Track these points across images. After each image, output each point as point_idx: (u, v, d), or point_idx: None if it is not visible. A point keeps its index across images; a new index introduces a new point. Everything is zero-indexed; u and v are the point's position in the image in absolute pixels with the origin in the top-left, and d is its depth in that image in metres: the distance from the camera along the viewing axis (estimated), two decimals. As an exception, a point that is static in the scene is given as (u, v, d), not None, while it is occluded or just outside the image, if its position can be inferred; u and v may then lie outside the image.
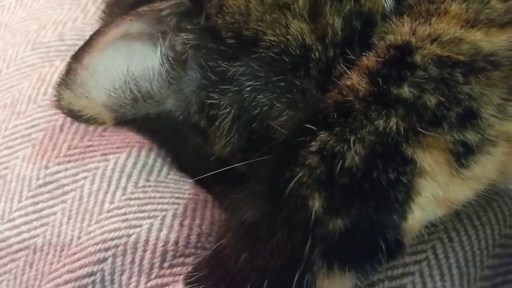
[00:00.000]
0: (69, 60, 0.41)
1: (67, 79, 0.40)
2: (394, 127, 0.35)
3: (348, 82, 0.37)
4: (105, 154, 0.52)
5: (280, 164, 0.36)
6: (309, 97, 0.42)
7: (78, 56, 0.41)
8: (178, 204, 0.50)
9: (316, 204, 0.33)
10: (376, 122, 0.35)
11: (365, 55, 0.39)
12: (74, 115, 0.41)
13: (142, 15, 0.43)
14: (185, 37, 0.45)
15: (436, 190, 0.35)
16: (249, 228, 0.35)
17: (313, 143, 0.35)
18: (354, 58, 0.40)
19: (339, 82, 0.39)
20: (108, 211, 0.49)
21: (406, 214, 0.34)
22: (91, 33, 0.44)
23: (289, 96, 0.42)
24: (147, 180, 0.52)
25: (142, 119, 0.44)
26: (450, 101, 0.36)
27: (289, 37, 0.42)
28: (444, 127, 0.35)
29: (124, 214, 0.49)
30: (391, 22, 0.41)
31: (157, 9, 0.43)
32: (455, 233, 0.43)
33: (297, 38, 0.41)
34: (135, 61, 0.43)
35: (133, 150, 0.53)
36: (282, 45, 0.42)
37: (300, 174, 0.34)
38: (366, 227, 0.34)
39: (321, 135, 0.35)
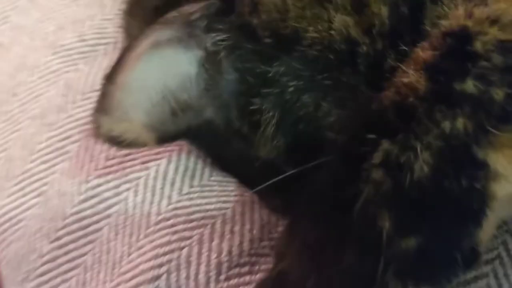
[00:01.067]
0: (102, 82, 0.38)
1: (103, 103, 0.38)
2: (462, 127, 0.32)
3: (405, 80, 0.34)
4: (145, 162, 0.51)
5: (341, 180, 0.33)
6: (359, 94, 0.39)
7: (111, 76, 0.38)
8: (226, 208, 0.49)
9: (386, 224, 0.31)
10: (442, 125, 0.32)
11: (418, 46, 0.36)
12: (116, 142, 0.39)
13: (172, 21, 0.40)
14: (217, 37, 0.42)
15: (511, 190, 0.32)
16: (315, 250, 0.33)
17: (375, 154, 0.32)
18: (406, 49, 0.37)
19: (393, 78, 0.35)
20: (156, 224, 0.48)
21: (482, 222, 0.32)
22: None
23: (337, 94, 0.39)
24: (191, 186, 0.50)
25: (184, 133, 0.41)
26: None
27: (332, 32, 0.38)
28: None
29: (173, 225, 0.47)
30: (442, 4, 0.37)
31: (187, 13, 0.40)
32: (525, 223, 0.40)
33: (342, 32, 0.38)
34: (170, 72, 0.41)
35: (172, 155, 0.51)
36: (325, 41, 0.38)
37: (366, 192, 0.32)
38: (441, 241, 0.31)
39: (383, 144, 0.33)
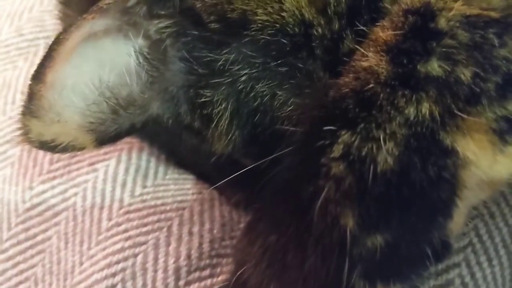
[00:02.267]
0: (29, 82, 0.34)
1: (31, 105, 0.34)
2: (427, 113, 0.30)
3: (365, 64, 0.32)
4: (92, 164, 0.47)
5: (299, 177, 0.31)
6: (317, 80, 0.36)
7: (39, 75, 0.34)
8: (183, 208, 0.45)
9: (349, 222, 0.28)
10: (406, 111, 0.30)
11: (378, 25, 0.33)
12: (48, 147, 0.35)
13: (106, 9, 0.36)
14: (159, 24, 0.38)
15: (481, 177, 0.30)
16: (275, 254, 0.30)
17: (335, 147, 0.30)
18: (365, 29, 0.34)
19: (351, 62, 0.33)
20: (108, 230, 0.44)
21: (452, 213, 0.30)
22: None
23: (293, 81, 0.36)
24: (144, 186, 0.47)
25: (127, 131, 0.38)
26: (487, 70, 0.30)
27: (284, 13, 0.35)
28: (484, 103, 0.30)
29: (126, 230, 0.44)
30: (401, -22, 0.34)
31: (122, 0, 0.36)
32: (496, 207, 0.38)
33: (294, 14, 0.35)
34: (107, 65, 0.37)
35: (122, 154, 0.48)
36: (277, 25, 0.35)
37: (326, 189, 0.29)
38: (409, 237, 0.29)
39: (343, 135, 0.30)
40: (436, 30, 0.31)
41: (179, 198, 0.46)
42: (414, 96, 0.30)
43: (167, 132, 0.43)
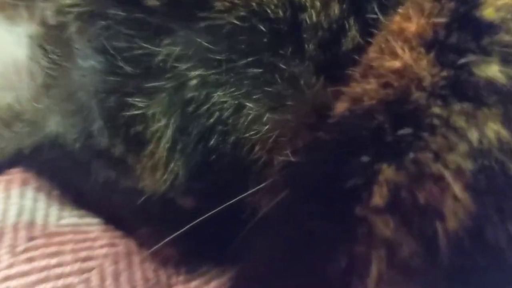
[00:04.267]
0: None
1: None
2: (494, 138, 0.20)
3: (395, 64, 0.21)
4: None
5: (316, 237, 0.19)
6: (305, 88, 0.25)
7: None
8: (89, 270, 0.32)
9: None
10: (469, 135, 0.20)
11: (396, 13, 0.23)
12: None
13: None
14: (63, 1, 0.25)
15: None
16: None
17: (375, 189, 0.19)
18: (378, 16, 0.24)
19: (366, 62, 0.22)
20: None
21: None
22: None
23: (269, 89, 0.25)
24: (30, 239, 0.32)
25: (10, 161, 0.24)
26: None
27: None
28: None
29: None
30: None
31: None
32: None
33: None
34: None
35: (-4, 190, 0.33)
36: (252, 4, 0.24)
37: (374, 262, 0.18)
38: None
39: (385, 170, 0.19)
40: (485, 21, 0.22)
41: (82, 255, 0.32)
42: (476, 113, 0.20)
43: (67, 160, 0.29)
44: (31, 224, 0.33)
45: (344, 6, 0.24)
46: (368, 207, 0.18)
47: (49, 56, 0.25)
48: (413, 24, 0.22)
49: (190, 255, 0.33)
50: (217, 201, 0.28)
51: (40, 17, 0.26)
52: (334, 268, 0.19)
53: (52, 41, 0.25)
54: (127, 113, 0.25)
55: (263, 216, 0.26)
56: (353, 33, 0.24)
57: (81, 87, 0.26)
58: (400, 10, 0.24)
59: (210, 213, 0.25)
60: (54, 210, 0.34)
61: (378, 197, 0.19)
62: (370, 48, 0.23)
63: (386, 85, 0.21)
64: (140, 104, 0.25)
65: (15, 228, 0.32)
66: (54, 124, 0.25)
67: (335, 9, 0.24)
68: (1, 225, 0.32)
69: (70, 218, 0.34)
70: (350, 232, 0.19)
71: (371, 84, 0.21)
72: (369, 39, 0.24)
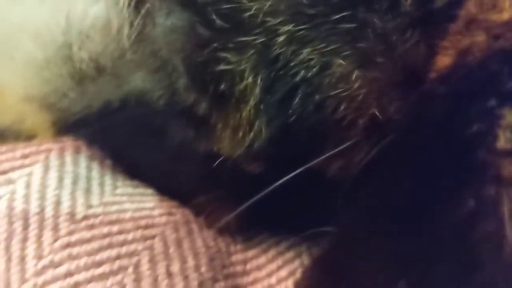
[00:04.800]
0: None
1: None
2: None
3: (505, 16, 0.21)
4: (4, 172, 0.30)
5: (438, 179, 0.19)
6: (397, 45, 0.25)
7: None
8: (152, 237, 0.31)
9: None
10: None
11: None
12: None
13: None
14: None
15: None
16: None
17: (500, 133, 0.19)
18: None
19: (472, 16, 0.22)
20: (37, 274, 0.28)
21: None
22: None
23: (360, 45, 0.25)
24: (89, 206, 0.31)
25: (99, 115, 0.23)
26: None
27: None
28: None
29: (68, 274, 0.28)
30: None
31: None
32: None
33: None
34: (66, 3, 0.22)
35: (51, 158, 0.32)
36: None
37: (505, 202, 0.18)
38: None
39: (508, 116, 0.19)
40: None
41: (142, 223, 0.31)
42: None
43: (138, 127, 0.28)
44: (88, 192, 0.32)
45: None
46: (495, 151, 0.18)
47: (130, 8, 0.24)
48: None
49: (247, 224, 0.33)
50: (287, 166, 0.27)
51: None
52: (461, 211, 0.18)
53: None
54: (217, 69, 0.24)
55: (345, 179, 0.26)
56: None
57: (164, 44, 0.25)
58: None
59: (284, 179, 0.25)
60: (108, 180, 0.33)
61: (503, 141, 0.18)
62: (467, 3, 0.23)
63: (497, 36, 0.21)
64: (232, 59, 0.24)
65: (72, 196, 0.31)
66: (139, 79, 0.24)
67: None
68: (57, 192, 0.31)
69: (125, 187, 0.34)
70: (478, 175, 0.19)
71: (480, 36, 0.21)
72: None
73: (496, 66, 0.20)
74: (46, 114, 0.21)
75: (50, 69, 0.21)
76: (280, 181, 0.25)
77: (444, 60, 0.22)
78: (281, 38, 0.25)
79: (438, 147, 0.20)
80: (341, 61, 0.25)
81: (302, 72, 0.25)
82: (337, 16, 0.24)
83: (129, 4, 0.24)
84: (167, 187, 0.33)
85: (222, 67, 0.24)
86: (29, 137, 0.20)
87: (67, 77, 0.22)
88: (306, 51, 0.25)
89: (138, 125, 0.28)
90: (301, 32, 0.24)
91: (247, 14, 0.24)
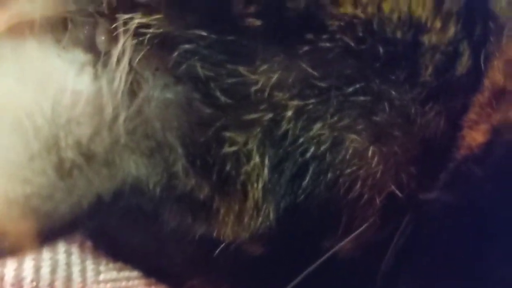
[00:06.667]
0: None
1: None
2: None
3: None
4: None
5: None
6: (416, 118, 0.23)
7: None
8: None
9: None
10: None
11: None
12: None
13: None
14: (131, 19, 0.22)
15: None
16: None
17: None
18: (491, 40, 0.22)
19: (499, 87, 0.20)
20: None
21: None
22: None
23: (376, 118, 0.23)
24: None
25: (90, 215, 0.20)
26: None
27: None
28: None
29: None
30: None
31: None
32: None
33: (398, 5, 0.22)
34: (52, 86, 0.19)
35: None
36: (373, 24, 0.22)
37: None
38: None
39: None
40: None
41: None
42: None
43: (130, 214, 0.25)
44: (68, 280, 0.28)
45: (459, 26, 0.22)
46: None
47: (131, 82, 0.22)
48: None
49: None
50: (293, 247, 0.25)
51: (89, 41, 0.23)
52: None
53: (103, 67, 0.22)
54: (221, 151, 0.22)
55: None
56: (465, 57, 0.22)
57: (159, 121, 0.22)
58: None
59: (305, 273, 0.22)
60: (90, 265, 0.30)
61: None
62: (491, 70, 0.22)
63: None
64: (237, 139, 0.22)
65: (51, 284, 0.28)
66: (133, 165, 0.21)
67: (451, 30, 0.22)
68: (34, 285, 0.28)
69: (108, 272, 0.30)
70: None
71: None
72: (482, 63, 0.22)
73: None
74: (29, 222, 0.17)
75: (32, 166, 0.18)
76: (304, 273, 0.23)
77: (475, 137, 0.20)
78: (289, 113, 0.22)
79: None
80: (355, 136, 0.22)
81: (313, 149, 0.23)
82: (351, 89, 0.22)
83: (125, 84, 0.22)
84: (158, 268, 0.30)
85: (228, 148, 0.22)
86: (10, 250, 0.17)
87: (51, 172, 0.18)
88: (316, 126, 0.22)
89: (129, 211, 0.25)
90: (310, 106, 0.22)
91: (253, 88, 0.22)
